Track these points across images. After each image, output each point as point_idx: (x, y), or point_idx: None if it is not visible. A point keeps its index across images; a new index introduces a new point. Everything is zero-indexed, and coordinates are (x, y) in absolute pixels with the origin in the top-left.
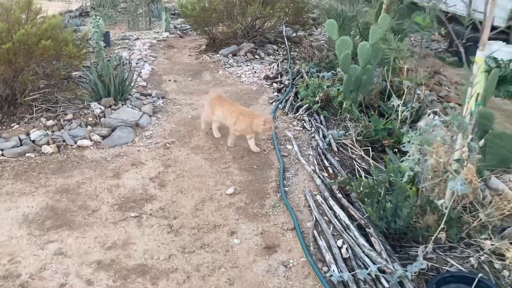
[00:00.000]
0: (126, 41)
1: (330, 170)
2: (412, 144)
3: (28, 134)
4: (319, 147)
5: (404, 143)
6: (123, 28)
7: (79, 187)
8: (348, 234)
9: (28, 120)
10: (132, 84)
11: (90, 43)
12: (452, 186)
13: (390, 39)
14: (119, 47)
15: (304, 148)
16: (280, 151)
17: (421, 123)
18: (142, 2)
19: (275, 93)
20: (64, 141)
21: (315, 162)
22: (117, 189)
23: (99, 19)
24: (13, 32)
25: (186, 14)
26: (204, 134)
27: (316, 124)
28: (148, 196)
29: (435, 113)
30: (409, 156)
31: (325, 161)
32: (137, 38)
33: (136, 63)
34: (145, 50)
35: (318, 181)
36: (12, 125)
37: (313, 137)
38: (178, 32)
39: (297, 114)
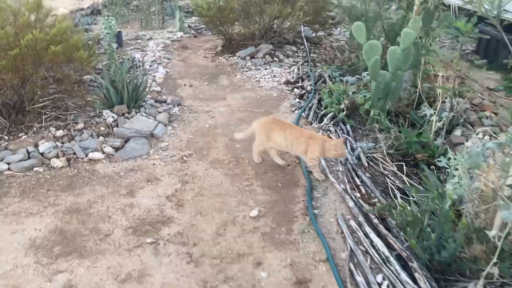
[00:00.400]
0: (139, 41)
1: (363, 190)
2: (457, 166)
3: (36, 145)
4: (348, 161)
5: (440, 158)
6: (135, 27)
7: (90, 207)
8: (388, 267)
9: (37, 129)
10: (147, 90)
11: (102, 44)
12: (506, 216)
13: (428, 44)
14: (131, 47)
15: (332, 162)
16: (306, 166)
17: (468, 143)
18: (155, 0)
19: (297, 100)
20: (74, 153)
21: (346, 180)
22: (131, 210)
23: (112, 19)
24: (21, 36)
25: (202, 14)
26: (223, 146)
27: (343, 135)
28: (165, 218)
29: (484, 132)
30: (454, 179)
31: (356, 178)
32: (150, 38)
33: (150, 66)
34: (159, 52)
35: (351, 203)
36: (20, 135)
37: None
38: (192, 31)
39: (322, 123)
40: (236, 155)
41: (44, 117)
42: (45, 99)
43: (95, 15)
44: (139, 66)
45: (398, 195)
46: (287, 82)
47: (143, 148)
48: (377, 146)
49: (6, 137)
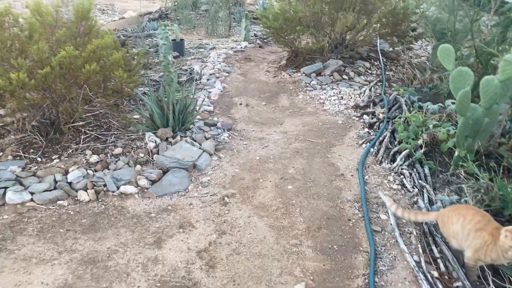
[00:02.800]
0: (201, 50)
1: (442, 266)
2: None
3: (66, 173)
4: (424, 222)
5: None
6: (201, 33)
7: (109, 258)
8: None
9: (72, 151)
10: (196, 112)
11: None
12: None
13: None
14: (192, 57)
15: (404, 220)
16: (371, 222)
17: None
18: (224, 5)
19: (366, 130)
20: (105, 185)
21: (420, 249)
22: (154, 266)
23: (168, 30)
24: (57, 51)
25: (266, 25)
26: (272, 186)
27: (420, 181)
28: (191, 283)
29: None
30: None
31: (434, 247)
32: (213, 48)
33: (207, 79)
34: (219, 63)
35: (425, 287)
36: (53, 157)
37: (416, 202)
38: (258, 41)
39: (394, 164)
40: (286, 200)
41: (83, 136)
42: (88, 113)
43: (162, 19)
44: (196, 79)
45: (490, 276)
46: (356, 106)
47: (182, 183)
48: (462, 200)
49: (39, 159)
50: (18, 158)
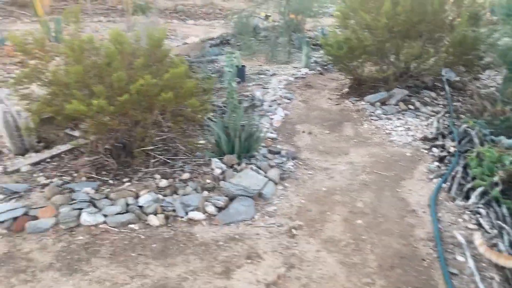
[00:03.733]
0: (262, 76)
1: None
2: None
3: (137, 196)
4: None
5: None
6: (261, 59)
7: (179, 286)
8: None
9: (142, 175)
10: (261, 139)
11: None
12: None
13: None
14: (253, 83)
15: (484, 263)
16: (447, 264)
17: None
18: (284, 32)
19: (436, 163)
20: (174, 210)
21: None
22: None
23: (234, 57)
24: (135, 79)
25: (330, 53)
26: (341, 220)
27: (498, 221)
28: None
29: None
30: None
31: None
32: (274, 74)
33: (269, 106)
34: (280, 90)
35: None
36: (124, 180)
37: (495, 244)
38: (318, 68)
39: (469, 202)
40: (355, 235)
41: (152, 160)
42: (157, 139)
43: (223, 45)
44: (258, 105)
45: None
46: (424, 139)
47: (248, 212)
48: None
49: (111, 181)
50: (91, 179)
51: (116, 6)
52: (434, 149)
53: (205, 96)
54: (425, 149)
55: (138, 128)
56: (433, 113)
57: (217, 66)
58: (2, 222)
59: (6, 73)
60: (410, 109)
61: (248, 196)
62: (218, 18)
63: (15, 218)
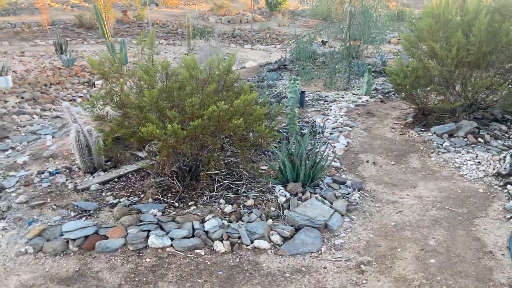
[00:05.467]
0: (321, 102)
1: None
2: None
3: (203, 221)
4: None
5: None
6: (319, 85)
7: None
8: None
9: (207, 199)
10: (326, 167)
11: (284, 102)
12: None
13: None
14: (312, 109)
15: None
16: None
17: None
18: (344, 58)
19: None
20: (239, 237)
21: None
22: None
23: (298, 83)
24: (206, 105)
25: (396, 82)
26: (412, 258)
27: None
28: None
29: None
30: None
31: None
32: (333, 100)
33: (330, 133)
34: (341, 117)
35: None
36: (190, 203)
37: None
38: (379, 95)
39: None
40: (429, 275)
41: (216, 185)
42: (220, 162)
43: (281, 70)
44: (319, 132)
45: None
46: (498, 175)
47: (314, 243)
48: None
49: (177, 204)
50: (158, 201)
51: (176, 30)
52: (509, 186)
53: (272, 122)
54: (499, 186)
55: (206, 153)
56: (505, 148)
57: (275, 91)
58: (74, 240)
59: (74, 92)
60: (479, 142)
61: (314, 227)
62: (275, 43)
63: (86, 237)
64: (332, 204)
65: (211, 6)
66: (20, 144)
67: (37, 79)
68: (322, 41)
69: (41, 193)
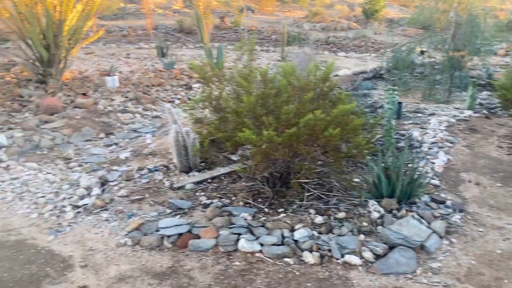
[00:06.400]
0: (419, 115)
1: None
2: None
3: (292, 229)
4: None
5: None
6: (416, 96)
7: None
8: None
9: (297, 207)
10: (424, 184)
11: (380, 113)
12: None
13: None
14: (409, 121)
15: None
16: None
17: None
18: (445, 69)
19: None
20: (329, 250)
21: None
22: None
23: (396, 95)
24: (302, 113)
25: (505, 97)
26: None
27: None
28: None
29: None
30: None
31: None
32: (432, 114)
33: (429, 148)
34: (441, 132)
35: None
36: (279, 210)
37: None
38: (484, 111)
39: None
40: None
41: (306, 194)
42: (312, 171)
43: (376, 79)
44: (416, 147)
45: None
46: None
47: (409, 264)
48: None
49: (267, 210)
50: (248, 205)
51: (270, 36)
52: None
53: (369, 134)
54: None
55: (297, 160)
56: None
57: (369, 100)
58: (169, 236)
59: (173, 94)
60: None
61: (409, 247)
62: (370, 51)
63: (180, 234)
64: (429, 224)
65: (306, 13)
66: (123, 140)
67: (140, 80)
68: (422, 51)
69: (140, 188)
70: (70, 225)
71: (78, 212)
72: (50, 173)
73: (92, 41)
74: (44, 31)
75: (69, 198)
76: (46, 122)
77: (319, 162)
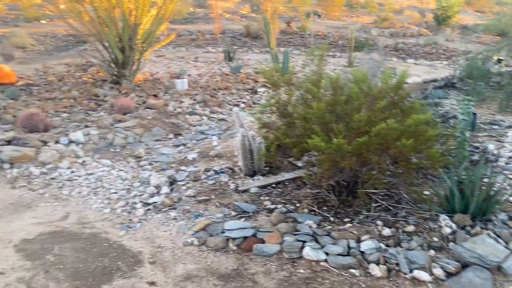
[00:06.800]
0: (495, 127)
1: None
2: None
3: (358, 240)
4: None
5: None
6: (492, 107)
7: None
8: None
9: (363, 218)
10: (502, 202)
11: (452, 123)
12: None
13: None
14: (484, 134)
15: None
16: None
17: None
18: None
19: None
20: (397, 264)
21: None
22: None
23: (472, 105)
24: (373, 122)
25: None
26: None
27: None
28: None
29: None
30: None
31: None
32: (510, 126)
33: (506, 163)
34: None
35: None
36: (345, 220)
37: None
38: None
39: None
40: None
41: (373, 205)
42: (381, 182)
43: (448, 88)
44: (491, 161)
45: None
46: None
47: (484, 286)
48: None
49: (332, 219)
50: (313, 212)
51: (337, 42)
52: None
53: (443, 145)
54: None
55: (365, 169)
56: None
57: (441, 110)
58: (234, 239)
59: (238, 98)
60: None
61: (484, 267)
62: (441, 58)
63: (244, 237)
64: (507, 244)
65: (374, 19)
66: (190, 141)
67: (208, 83)
68: (499, 59)
69: (206, 189)
70: (140, 222)
71: (148, 209)
72: (122, 170)
73: (163, 44)
74: (120, 34)
75: (139, 195)
76: (119, 121)
77: (388, 172)
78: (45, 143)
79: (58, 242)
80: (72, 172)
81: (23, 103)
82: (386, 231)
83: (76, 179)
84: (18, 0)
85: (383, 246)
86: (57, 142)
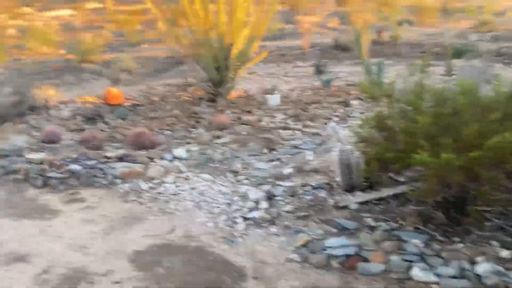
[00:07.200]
0: None
1: None
2: None
3: (472, 262)
4: None
5: None
6: None
7: None
8: None
9: (476, 238)
10: None
11: None
12: None
13: None
14: None
15: None
16: None
17: None
18: None
19: None
20: None
21: None
22: None
23: None
24: (486, 134)
25: None
26: None
27: None
28: None
29: None
30: None
31: None
32: None
33: None
34: None
35: None
36: (455, 239)
37: None
38: None
39: None
40: None
41: (487, 223)
42: (495, 198)
43: None
44: None
45: None
46: None
47: None
48: None
49: (440, 238)
50: (418, 231)
51: (431, 49)
52: None
53: None
54: None
55: (475, 185)
56: None
57: None
58: (336, 256)
59: (331, 111)
60: None
61: None
62: None
63: (347, 256)
64: None
65: (473, 23)
66: (284, 156)
67: (299, 97)
68: None
69: (304, 205)
70: (242, 236)
71: (249, 224)
72: (222, 185)
73: (255, 62)
74: (216, 55)
75: (239, 210)
76: (217, 137)
77: (502, 188)
78: (151, 159)
79: (167, 255)
80: (176, 186)
81: (131, 122)
82: (505, 253)
83: (180, 193)
84: (123, 27)
85: (502, 269)
86: (162, 158)
